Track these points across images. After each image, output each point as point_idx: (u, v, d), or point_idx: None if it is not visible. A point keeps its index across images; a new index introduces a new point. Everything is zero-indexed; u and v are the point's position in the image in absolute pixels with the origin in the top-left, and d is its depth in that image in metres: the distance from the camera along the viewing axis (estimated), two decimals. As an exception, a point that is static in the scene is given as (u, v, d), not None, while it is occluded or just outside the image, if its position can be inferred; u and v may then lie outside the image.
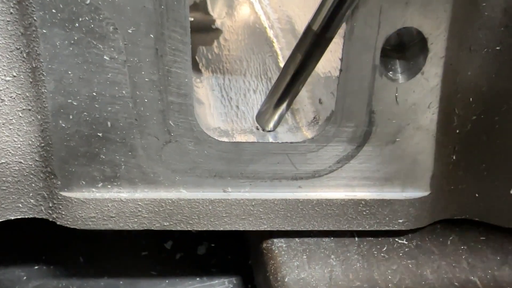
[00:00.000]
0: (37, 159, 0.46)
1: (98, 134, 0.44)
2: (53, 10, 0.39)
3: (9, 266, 0.59)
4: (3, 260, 0.59)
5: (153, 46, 0.41)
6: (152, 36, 0.41)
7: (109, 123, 0.44)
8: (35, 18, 0.40)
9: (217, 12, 0.69)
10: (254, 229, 0.50)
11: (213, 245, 0.63)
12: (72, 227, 0.48)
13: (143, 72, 0.42)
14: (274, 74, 0.59)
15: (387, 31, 0.42)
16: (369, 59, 0.43)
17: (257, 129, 0.49)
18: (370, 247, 0.52)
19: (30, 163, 0.46)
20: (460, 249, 0.52)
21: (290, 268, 0.49)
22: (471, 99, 0.47)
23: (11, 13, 0.40)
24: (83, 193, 0.47)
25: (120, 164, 0.46)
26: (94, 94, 0.43)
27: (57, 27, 0.40)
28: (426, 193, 0.50)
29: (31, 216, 0.49)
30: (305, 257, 0.50)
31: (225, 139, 0.46)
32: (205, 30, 0.66)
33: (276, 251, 0.50)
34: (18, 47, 0.42)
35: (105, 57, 0.41)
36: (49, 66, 0.41)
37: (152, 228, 0.49)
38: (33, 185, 0.47)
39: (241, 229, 0.50)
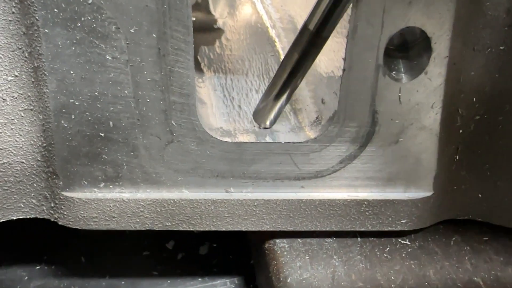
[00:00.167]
0: (39, 159, 0.46)
1: (100, 134, 0.44)
2: (55, 10, 0.39)
3: (11, 266, 0.59)
4: (4, 260, 0.59)
5: (156, 46, 0.41)
6: (154, 35, 0.41)
7: (111, 123, 0.44)
8: (37, 17, 0.40)
9: (219, 12, 0.68)
10: (256, 230, 0.50)
11: (215, 245, 0.63)
12: (74, 227, 0.48)
13: (145, 72, 0.42)
14: (276, 73, 0.58)
15: (391, 31, 0.42)
16: (372, 58, 0.43)
17: (254, 126, 0.49)
18: (373, 248, 0.52)
19: (32, 163, 0.46)
20: (463, 249, 0.52)
21: (292, 269, 0.49)
22: (474, 99, 0.47)
23: (13, 12, 0.40)
24: (85, 193, 0.47)
25: (122, 164, 0.46)
26: (96, 94, 0.43)
27: (59, 26, 0.40)
28: (429, 194, 0.50)
29: (33, 216, 0.49)
30: (307, 257, 0.50)
31: (227, 139, 0.46)
32: (207, 30, 0.66)
33: (279, 252, 0.50)
34: (20, 47, 0.42)
35: (107, 57, 0.41)
36: (51, 65, 0.41)
37: (154, 228, 0.49)
38: (35, 185, 0.47)
39: (243, 230, 0.50)
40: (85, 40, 0.40)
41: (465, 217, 0.53)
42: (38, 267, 0.59)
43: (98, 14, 0.40)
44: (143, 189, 0.47)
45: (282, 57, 0.60)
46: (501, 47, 0.44)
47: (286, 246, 0.51)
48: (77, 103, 0.43)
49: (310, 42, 0.43)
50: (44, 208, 0.48)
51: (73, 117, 0.43)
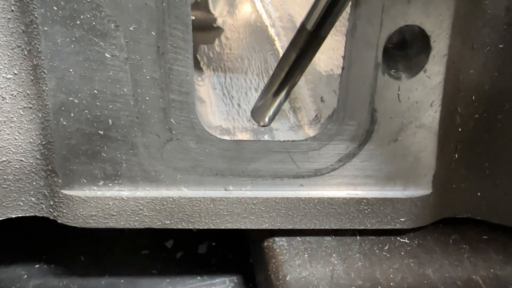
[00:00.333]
0: (38, 157, 0.46)
1: (99, 132, 0.44)
2: (55, 8, 0.39)
3: (10, 264, 0.59)
4: (3, 259, 0.59)
5: (155, 44, 0.41)
6: (153, 33, 0.41)
7: (110, 121, 0.44)
8: (36, 15, 0.40)
9: (218, 11, 0.69)
10: (255, 228, 0.50)
11: (214, 244, 0.63)
12: (73, 225, 0.48)
13: (144, 70, 0.42)
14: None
15: (390, 29, 0.42)
16: (372, 57, 0.43)
17: (253, 124, 0.49)
18: (372, 246, 0.52)
19: (31, 161, 0.46)
20: (462, 248, 0.52)
21: (291, 267, 0.49)
22: (473, 97, 0.47)
23: (12, 10, 0.40)
24: (84, 191, 0.47)
25: (121, 162, 0.46)
26: (96, 92, 0.43)
27: (59, 24, 0.40)
28: (428, 192, 0.50)
29: (32, 214, 0.49)
30: (306, 255, 0.50)
31: (226, 138, 0.46)
32: (206, 29, 0.66)
33: (278, 250, 0.50)
34: (19, 45, 0.42)
35: (106, 55, 0.41)
36: (51, 63, 0.41)
37: (153, 227, 0.49)
38: (34, 183, 0.47)
39: (242, 228, 0.50)
40: (84, 38, 0.40)
41: (464, 216, 0.53)
42: (37, 266, 0.59)
43: (97, 12, 0.40)
44: (142, 187, 0.47)
45: (281, 55, 0.61)
46: (500, 46, 0.44)
47: (285, 244, 0.51)
48: (76, 101, 0.43)
49: (308, 41, 0.43)
50: (43, 206, 0.48)
51: (72, 115, 0.43)
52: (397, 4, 0.41)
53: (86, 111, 0.43)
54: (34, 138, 0.45)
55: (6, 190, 0.47)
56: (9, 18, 0.41)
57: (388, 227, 0.51)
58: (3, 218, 0.49)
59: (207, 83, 0.57)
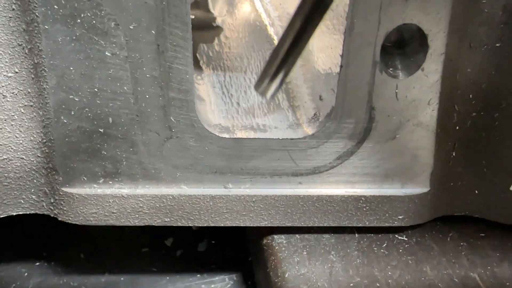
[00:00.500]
0: (38, 155, 0.46)
1: (100, 130, 0.45)
2: (55, 6, 0.40)
3: (10, 262, 0.59)
4: (4, 257, 0.59)
5: (155, 42, 0.41)
6: (153, 32, 0.41)
7: (110, 119, 0.44)
8: (37, 14, 0.40)
9: (218, 10, 0.69)
10: (254, 225, 0.50)
11: (213, 242, 0.63)
12: (73, 223, 0.48)
13: (144, 68, 0.42)
14: (274, 71, 0.59)
15: (387, 28, 0.42)
16: (369, 55, 0.43)
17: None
18: (370, 243, 0.52)
19: (31, 159, 0.46)
20: (459, 245, 0.53)
21: (290, 264, 0.49)
22: (471, 95, 0.47)
23: (13, 9, 0.41)
24: (85, 189, 0.47)
25: (122, 160, 0.46)
26: (96, 90, 0.43)
27: (59, 23, 0.40)
28: (425, 190, 0.50)
29: (32, 212, 0.49)
30: (305, 253, 0.50)
31: (225, 135, 0.47)
32: (206, 28, 0.66)
33: (277, 247, 0.51)
34: (20, 43, 0.42)
35: (106, 53, 0.42)
36: (51, 62, 0.42)
37: (153, 224, 0.49)
38: (35, 181, 0.48)
39: (241, 225, 0.50)
40: (84, 37, 0.41)
41: (461, 213, 0.53)
42: (37, 264, 0.59)
43: (97, 11, 0.40)
44: (142, 185, 0.48)
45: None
46: (497, 44, 0.44)
47: (284, 241, 0.51)
48: (76, 99, 0.43)
49: (313, 7, 0.42)
50: (44, 204, 0.49)
51: (72, 113, 0.44)
52: (395, 3, 0.41)
53: (87, 109, 0.44)
54: (34, 136, 0.45)
55: (6, 188, 0.47)
56: (10, 17, 0.41)
57: (386, 224, 0.51)
58: (4, 216, 0.49)
59: (206, 81, 0.58)
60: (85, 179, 0.47)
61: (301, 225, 0.51)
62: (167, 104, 0.44)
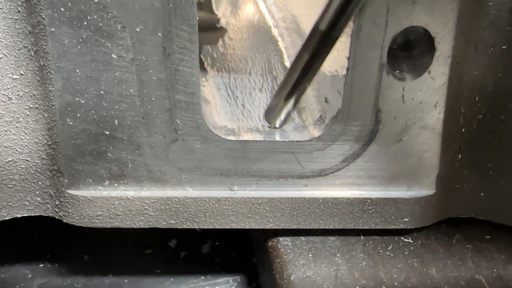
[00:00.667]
0: (44, 157, 0.46)
1: (105, 132, 0.45)
2: (62, 9, 0.39)
3: (14, 264, 0.59)
4: (8, 258, 0.59)
5: (161, 45, 0.41)
6: (160, 34, 0.41)
7: (116, 121, 0.44)
8: (43, 16, 0.40)
9: (221, 11, 0.69)
10: (260, 228, 0.50)
11: (217, 243, 0.63)
12: (78, 225, 0.48)
13: (150, 71, 0.42)
14: (279, 72, 0.59)
15: (394, 30, 0.42)
16: (376, 57, 0.43)
17: (268, 127, 0.49)
18: (376, 246, 0.52)
19: (37, 161, 0.46)
20: (465, 248, 0.52)
21: (296, 267, 0.49)
22: (477, 98, 0.47)
23: (19, 11, 0.40)
24: (90, 191, 0.47)
25: (127, 163, 0.46)
26: (102, 92, 0.43)
27: (66, 25, 0.40)
28: (431, 192, 0.50)
29: (37, 214, 0.49)
30: (310, 255, 0.50)
31: (231, 138, 0.46)
32: (210, 29, 0.66)
33: (282, 250, 0.51)
34: (25, 45, 0.42)
35: (113, 56, 0.41)
36: (57, 64, 0.41)
37: (159, 226, 0.49)
38: (40, 183, 0.47)
39: (247, 228, 0.50)
40: (91, 39, 0.41)
41: (467, 216, 0.53)
42: (41, 265, 0.59)
43: (104, 13, 0.40)
44: (148, 187, 0.48)
45: (285, 56, 0.61)
46: (503, 47, 0.44)
47: (290, 244, 0.51)
48: (82, 102, 0.43)
49: (320, 42, 0.43)
50: (49, 206, 0.49)
51: (78, 115, 0.44)
52: (402, 5, 0.41)
53: (92, 111, 0.44)
54: (40, 138, 0.45)
55: (12, 190, 0.47)
56: (16, 19, 0.41)
57: (392, 227, 0.51)
58: (9, 218, 0.49)
59: (211, 83, 0.58)
60: (91, 181, 0.47)
61: (306, 227, 0.51)
62: (173, 106, 0.44)
